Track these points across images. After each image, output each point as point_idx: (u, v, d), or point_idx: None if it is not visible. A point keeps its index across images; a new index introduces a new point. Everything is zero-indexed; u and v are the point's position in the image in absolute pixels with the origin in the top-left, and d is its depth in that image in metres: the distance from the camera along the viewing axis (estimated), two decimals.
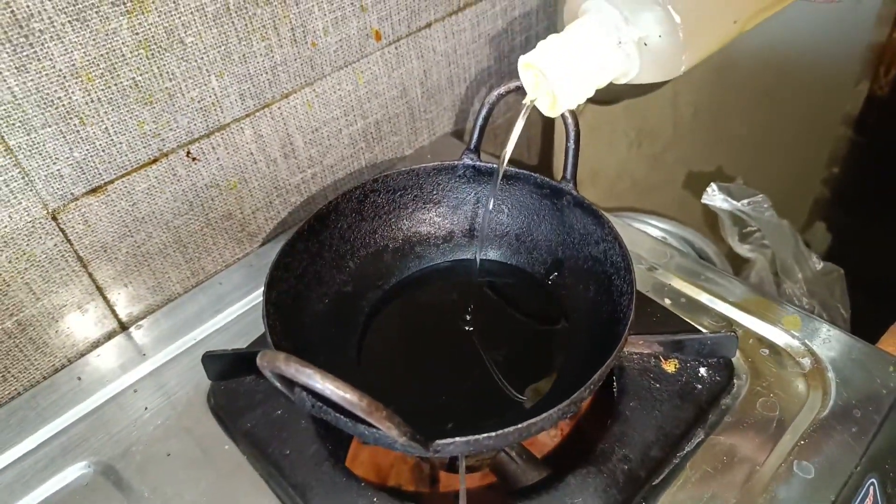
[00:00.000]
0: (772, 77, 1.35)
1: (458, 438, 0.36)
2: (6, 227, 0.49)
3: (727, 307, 0.55)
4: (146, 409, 0.52)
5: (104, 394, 0.53)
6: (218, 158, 0.59)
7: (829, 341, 0.52)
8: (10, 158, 0.47)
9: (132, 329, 0.59)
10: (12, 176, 0.48)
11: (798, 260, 0.75)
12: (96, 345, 0.57)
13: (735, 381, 0.50)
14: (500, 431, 0.36)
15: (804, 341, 0.52)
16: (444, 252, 0.57)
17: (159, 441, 0.50)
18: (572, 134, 0.50)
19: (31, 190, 0.49)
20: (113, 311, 0.57)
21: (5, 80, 0.45)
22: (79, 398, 0.53)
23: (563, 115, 0.50)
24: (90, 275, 0.55)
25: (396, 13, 0.66)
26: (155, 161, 0.55)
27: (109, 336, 0.58)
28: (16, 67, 0.45)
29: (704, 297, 0.57)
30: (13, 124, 0.46)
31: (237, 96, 0.57)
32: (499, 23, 0.78)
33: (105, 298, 0.57)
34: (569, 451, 0.51)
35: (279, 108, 0.61)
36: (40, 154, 0.49)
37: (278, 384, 0.37)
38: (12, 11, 0.44)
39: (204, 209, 0.60)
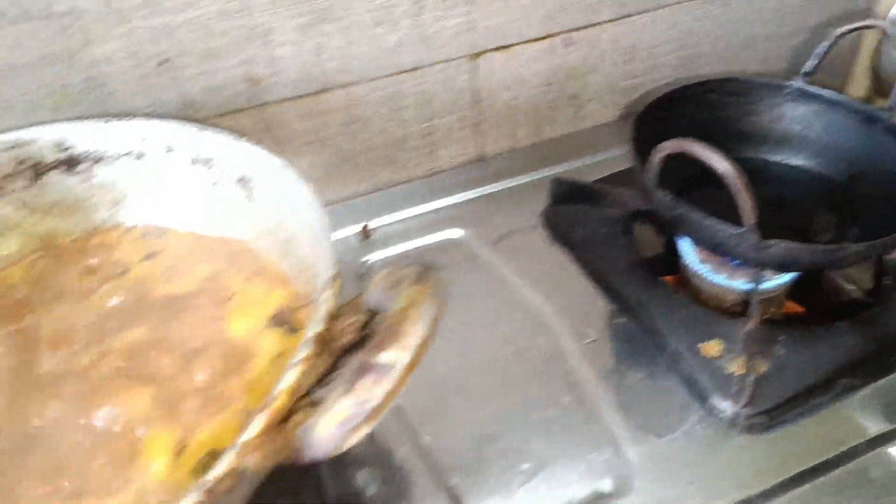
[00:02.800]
0: None
1: (781, 242, 0.49)
2: (449, 56, 0.69)
3: None
4: (504, 215, 0.71)
5: (472, 193, 0.74)
6: (581, 49, 0.75)
7: None
8: (469, 7, 0.67)
9: (491, 157, 0.78)
10: (467, 20, 0.68)
11: None
12: (463, 164, 0.78)
13: None
14: (811, 245, 0.49)
15: None
16: (759, 152, 0.69)
17: (509, 236, 0.68)
18: None
19: (473, 32, 0.69)
20: (481, 144, 0.77)
21: None
22: (458, 190, 0.74)
23: None
24: (480, 111, 0.74)
25: None
26: (542, 38, 0.73)
27: (479, 159, 0.78)
28: None
29: None
30: None
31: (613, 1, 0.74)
32: None
33: (481, 133, 0.76)
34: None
35: (633, 21, 0.76)
36: (482, 11, 0.68)
37: (652, 181, 0.52)
38: None
39: (560, 87, 0.77)
